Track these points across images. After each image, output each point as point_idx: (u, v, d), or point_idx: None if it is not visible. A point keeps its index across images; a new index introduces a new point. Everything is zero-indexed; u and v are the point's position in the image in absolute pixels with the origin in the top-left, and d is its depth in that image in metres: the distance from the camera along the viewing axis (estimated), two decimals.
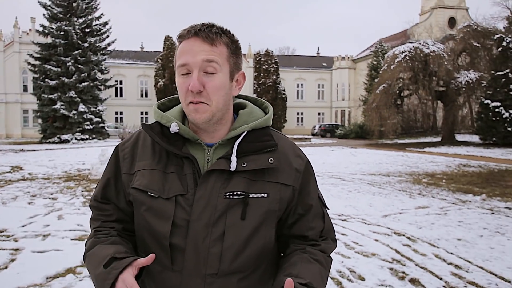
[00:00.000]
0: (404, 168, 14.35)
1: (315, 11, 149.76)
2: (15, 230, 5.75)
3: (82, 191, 9.07)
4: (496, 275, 4.22)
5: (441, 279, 4.12)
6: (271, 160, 1.14)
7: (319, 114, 56.16)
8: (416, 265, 4.53)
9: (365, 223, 6.46)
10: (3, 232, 5.65)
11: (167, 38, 46.83)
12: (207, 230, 1.08)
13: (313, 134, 46.15)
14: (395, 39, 45.48)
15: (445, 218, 6.77)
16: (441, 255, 4.85)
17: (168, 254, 1.09)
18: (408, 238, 5.59)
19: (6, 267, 4.32)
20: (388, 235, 5.75)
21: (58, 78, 31.70)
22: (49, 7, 33.03)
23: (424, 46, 25.78)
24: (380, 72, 28.35)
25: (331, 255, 1.26)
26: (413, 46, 25.84)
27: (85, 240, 1.23)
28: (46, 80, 31.96)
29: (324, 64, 57.00)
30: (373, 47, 45.19)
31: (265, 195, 1.13)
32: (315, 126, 48.36)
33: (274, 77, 50.56)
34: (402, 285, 3.98)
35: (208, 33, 1.11)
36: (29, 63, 33.46)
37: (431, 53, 25.07)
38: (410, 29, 44.27)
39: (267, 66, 50.78)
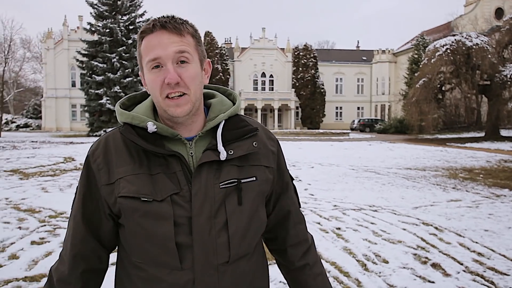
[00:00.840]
0: (441, 163, 14.29)
1: (356, 4, 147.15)
2: None
3: None
4: None
5: (462, 264, 4.37)
6: (255, 143, 1.18)
7: (358, 108, 55.63)
8: (440, 251, 4.78)
9: (395, 213, 6.71)
10: (63, 214, 6.34)
11: (207, 34, 47.73)
12: (211, 222, 1.10)
13: (352, 129, 45.87)
14: (438, 32, 44.35)
15: (476, 211, 6.91)
16: (466, 244, 5.07)
17: (176, 255, 1.09)
18: (436, 228, 5.81)
19: None
20: (416, 225, 5.99)
21: (104, 74, 33.16)
22: (96, 6, 34.52)
23: (467, 38, 25.14)
24: (421, 66, 27.86)
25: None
26: (455, 39, 25.25)
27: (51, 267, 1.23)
28: (93, 76, 33.49)
29: (364, 58, 56.31)
30: (414, 40, 44.22)
31: (254, 178, 1.17)
32: (354, 121, 48.02)
33: (313, 71, 50.50)
34: (424, 268, 4.26)
35: (175, 24, 1.11)
36: (77, 60, 35.18)
37: (474, 46, 24.43)
38: (453, 21, 43.10)
39: (305, 60, 50.78)
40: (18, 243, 4.91)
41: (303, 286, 1.30)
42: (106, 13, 34.35)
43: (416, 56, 38.80)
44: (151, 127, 1.11)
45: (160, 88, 1.09)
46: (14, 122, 48.28)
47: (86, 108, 34.86)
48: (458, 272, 4.14)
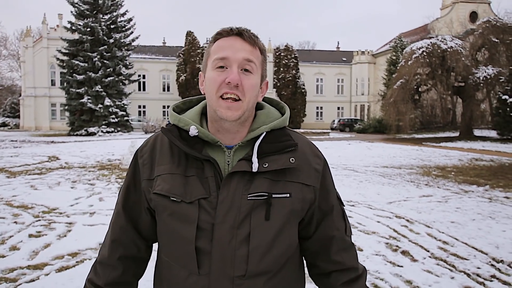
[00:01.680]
0: (416, 162, 14.92)
1: (336, 5, 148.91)
2: (65, 208, 6.70)
3: (116, 178, 10.03)
4: (476, 249, 4.93)
5: (428, 251, 4.85)
6: (292, 159, 1.15)
7: (338, 108, 56.50)
8: (410, 241, 5.25)
9: (371, 208, 7.19)
10: (56, 209, 6.61)
11: (189, 34, 47.80)
12: (233, 232, 1.09)
13: (332, 129, 46.61)
14: (415, 34, 45.48)
15: (445, 205, 7.45)
16: (433, 234, 5.56)
17: (194, 258, 1.10)
18: (407, 220, 6.30)
19: (65, 236, 5.25)
20: (390, 218, 6.48)
21: (85, 73, 33.02)
22: (76, 4, 34.32)
23: (442, 42, 26.04)
24: (398, 67, 28.69)
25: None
26: (431, 42, 26.13)
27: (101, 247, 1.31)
28: (74, 75, 33.31)
29: (344, 59, 57.22)
30: (392, 42, 45.26)
31: (288, 195, 1.13)
32: (334, 121, 48.80)
33: (294, 71, 51.10)
34: (394, 255, 4.72)
35: (251, 34, 1.15)
36: (57, 59, 34.91)
37: (449, 49, 25.32)
38: (430, 23, 44.21)
39: (286, 61, 51.34)
40: (16, 236, 5.19)
41: None
42: (87, 12, 34.21)
43: (394, 57, 39.76)
44: (193, 130, 1.14)
45: (219, 86, 1.11)
46: None
47: (66, 107, 34.60)
48: (424, 258, 4.61)
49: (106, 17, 34.46)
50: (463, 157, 16.44)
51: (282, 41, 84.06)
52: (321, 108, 56.05)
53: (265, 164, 1.11)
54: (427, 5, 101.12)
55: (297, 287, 1.24)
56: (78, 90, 33.05)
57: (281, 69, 51.11)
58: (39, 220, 5.98)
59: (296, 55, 51.56)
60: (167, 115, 1.30)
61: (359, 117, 51.61)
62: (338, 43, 70.03)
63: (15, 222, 5.81)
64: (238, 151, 1.16)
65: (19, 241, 4.99)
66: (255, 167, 1.10)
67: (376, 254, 4.72)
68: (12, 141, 25.51)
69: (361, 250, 4.86)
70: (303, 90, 51.03)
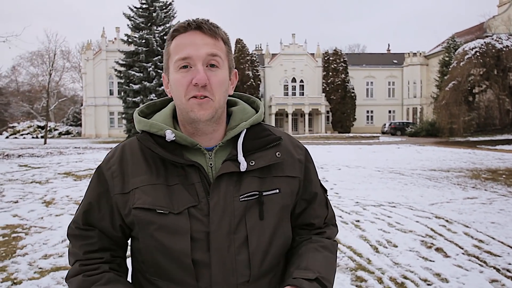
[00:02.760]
0: (467, 165, 14.65)
1: (387, 7, 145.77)
2: None
3: None
4: (511, 247, 5.05)
5: (462, 248, 5.03)
6: (278, 154, 1.12)
7: (389, 112, 55.49)
8: (445, 239, 5.45)
9: (412, 209, 7.36)
10: None
11: (238, 41, 48.90)
12: (230, 238, 1.04)
13: (383, 133, 45.93)
14: (470, 33, 43.91)
15: (488, 207, 7.47)
16: (470, 233, 5.71)
17: (192, 272, 1.03)
18: (446, 220, 6.45)
19: None
20: (429, 218, 6.64)
21: (141, 83, 34.77)
22: (132, 18, 36.29)
23: (497, 41, 25.17)
24: (450, 69, 27.96)
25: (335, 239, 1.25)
26: (485, 42, 25.33)
27: (67, 273, 1.12)
28: (130, 84, 35.17)
29: (395, 61, 56.17)
30: (445, 42, 43.94)
31: (277, 190, 1.10)
32: (385, 124, 48.03)
33: (343, 75, 50.82)
34: (428, 251, 4.95)
35: (211, 26, 1.08)
36: (115, 70, 37.01)
37: (504, 48, 24.44)
38: (486, 22, 42.50)
39: (335, 65, 51.18)
40: None
41: (297, 254, 1.16)
42: (142, 25, 36.04)
43: (447, 58, 38.67)
44: (170, 135, 1.07)
45: (186, 88, 1.05)
46: (57, 129, 50.84)
47: (124, 115, 36.51)
48: (457, 254, 4.82)
49: (160, 28, 36.13)
50: None
51: (331, 45, 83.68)
52: (372, 111, 55.30)
53: (252, 162, 1.08)
54: (484, 2, 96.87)
55: None
56: (134, 99, 34.84)
57: (330, 73, 51.01)
58: None
59: (345, 59, 51.26)
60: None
61: (411, 120, 50.43)
62: (389, 46, 68.56)
63: None
64: (219, 152, 1.12)
65: None
66: (243, 166, 1.07)
67: (410, 250, 4.98)
68: (75, 147, 27.40)
69: (396, 246, 5.13)
70: (352, 94, 50.62)
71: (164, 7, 36.67)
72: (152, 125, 1.10)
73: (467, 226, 6.08)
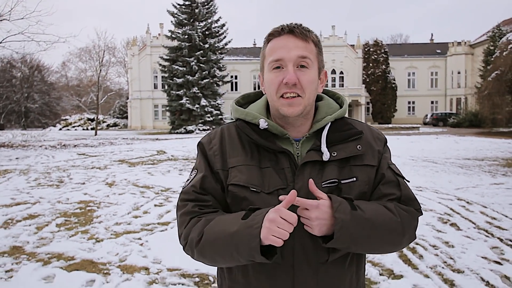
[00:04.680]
0: (504, 154, 14.80)
1: None
2: (177, 188, 8.43)
3: None
4: None
5: (474, 223, 5.65)
6: (359, 147, 1.20)
7: (432, 102, 54.44)
8: (461, 217, 6.06)
9: (437, 192, 7.94)
10: (170, 189, 8.38)
11: None
12: None
13: (425, 123, 45.33)
14: None
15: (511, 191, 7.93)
16: (486, 212, 6.28)
17: (278, 249, 1.08)
18: (467, 202, 7.02)
19: None
20: (451, 200, 7.22)
21: (184, 77, 36.25)
22: (176, 15, 37.75)
23: None
24: (492, 58, 27.48)
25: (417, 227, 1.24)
26: None
27: (180, 234, 1.21)
28: (174, 78, 36.73)
29: (438, 51, 54.93)
30: (491, 31, 42.67)
31: (354, 179, 1.18)
32: (427, 115, 47.34)
33: (384, 66, 50.37)
34: (443, 226, 5.60)
35: (302, 30, 1.18)
36: (160, 64, 38.70)
37: None
38: None
39: (376, 56, 50.79)
40: (145, 205, 6.94)
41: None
42: (185, 21, 37.44)
43: (491, 48, 37.64)
44: (263, 124, 1.18)
45: (278, 87, 1.16)
46: (105, 121, 53.46)
47: (168, 108, 38.19)
48: (468, 228, 5.45)
49: (202, 24, 37.40)
50: None
51: (373, 36, 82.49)
52: (413, 102, 54.45)
53: (334, 153, 1.18)
54: None
55: (362, 265, 1.29)
56: (177, 92, 36.39)
57: (371, 64, 50.68)
58: (159, 195, 7.74)
59: (386, 50, 50.75)
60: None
61: (454, 111, 49.37)
62: (432, 35, 66.89)
63: (143, 197, 7.63)
64: (305, 142, 1.22)
65: (148, 208, 6.71)
66: (326, 156, 1.16)
67: (427, 225, 5.65)
68: (123, 138, 29.07)
69: None
70: (393, 85, 50.11)
71: (205, 4, 37.91)
72: (248, 114, 1.24)
73: (485, 207, 6.64)
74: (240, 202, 1.17)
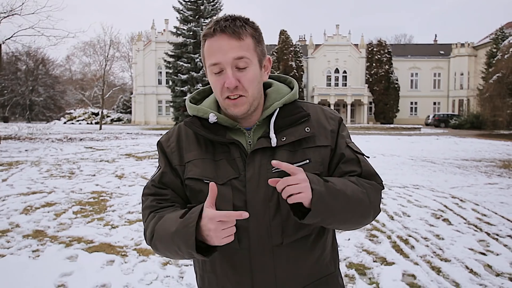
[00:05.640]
0: (501, 156, 15.14)
1: None
2: None
3: None
4: (509, 220, 5.98)
5: (465, 219, 6.02)
6: (307, 129, 1.23)
7: (434, 103, 54.72)
8: (454, 213, 6.42)
9: (433, 191, 8.30)
10: None
11: (282, 32, 49.74)
12: (265, 206, 1.18)
13: (427, 124, 45.65)
14: None
15: (504, 191, 8.29)
16: (477, 209, 6.64)
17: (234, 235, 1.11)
18: (461, 200, 7.38)
19: None
20: (446, 197, 7.59)
21: (188, 73, 36.56)
22: (181, 11, 38.04)
23: None
24: (494, 61, 27.76)
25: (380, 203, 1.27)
26: None
27: (143, 230, 1.27)
28: (179, 74, 37.05)
29: (442, 52, 55.18)
30: (494, 33, 42.90)
31: (307, 161, 1.21)
32: (429, 116, 47.65)
33: (387, 66, 50.63)
34: (435, 221, 5.97)
35: (234, 28, 1.16)
36: (165, 60, 39.02)
37: None
38: None
39: (379, 56, 51.04)
40: None
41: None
42: (191, 17, 37.73)
43: (494, 50, 37.90)
44: (212, 118, 1.24)
45: (221, 90, 1.19)
46: (109, 116, 53.92)
47: (172, 104, 38.53)
48: (459, 223, 5.82)
49: (207, 21, 37.63)
50: None
51: (378, 35, 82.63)
52: (416, 103, 54.75)
53: (283, 138, 1.21)
54: None
55: (329, 244, 1.31)
56: (182, 88, 36.71)
57: (374, 64, 50.96)
58: None
59: (389, 50, 51.01)
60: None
61: (456, 112, 49.66)
62: (436, 36, 67.34)
63: None
64: (256, 130, 1.26)
65: None
66: (273, 142, 1.20)
67: (420, 219, 6.02)
68: (128, 133, 29.50)
69: (409, 216, 6.19)
70: (396, 85, 50.38)
71: (211, 0, 38.14)
72: (199, 110, 1.28)
73: (477, 204, 7.00)
74: (197, 195, 1.21)
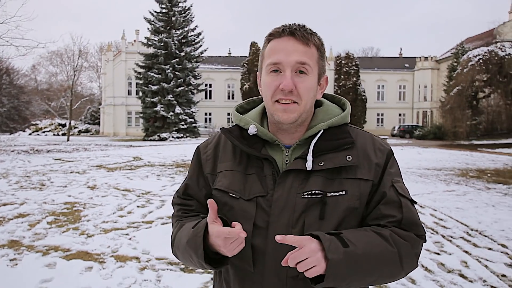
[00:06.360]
0: (460, 165, 15.94)
1: (402, 10, 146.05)
2: (157, 191, 8.98)
3: None
4: (462, 223, 6.47)
5: (424, 223, 6.45)
6: (349, 157, 1.13)
7: (400, 115, 56.46)
8: None
9: None
10: (150, 192, 8.91)
11: (253, 44, 50.38)
12: (287, 231, 1.08)
13: (393, 135, 47.01)
14: (480, 39, 44.75)
15: (461, 197, 8.85)
16: (435, 214, 7.12)
17: (250, 256, 1.11)
18: (421, 206, 7.86)
19: (161, 207, 7.45)
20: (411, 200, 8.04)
21: (159, 84, 36.60)
22: (152, 22, 38.14)
23: (500, 49, 26.29)
24: (455, 75, 29.16)
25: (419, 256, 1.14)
26: (488, 50, 26.50)
27: (171, 235, 1.28)
28: (149, 85, 37.01)
29: (407, 65, 57.18)
30: (455, 48, 44.93)
31: (343, 192, 1.11)
32: (394, 127, 49.15)
33: (355, 79, 52.07)
34: None
35: (304, 33, 1.13)
36: (135, 71, 38.89)
37: (507, 56, 25.56)
38: (496, 28, 43.37)
39: (347, 68, 52.49)
40: (128, 206, 7.47)
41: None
42: (162, 29, 37.88)
43: (455, 64, 39.66)
44: (252, 129, 1.18)
45: (274, 91, 1.13)
46: (76, 127, 52.99)
47: (142, 115, 38.36)
48: None
49: (178, 32, 37.92)
50: (510, 162, 17.12)
51: (346, 48, 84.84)
52: (382, 114, 56.34)
53: (321, 163, 1.12)
54: (497, 9, 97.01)
55: None
56: (152, 99, 36.68)
57: (342, 76, 52.30)
58: (141, 198, 8.27)
59: (357, 63, 52.50)
60: (231, 121, 1.33)
61: (421, 123, 51.42)
62: (401, 50, 69.31)
63: (125, 199, 8.15)
64: (296, 150, 1.18)
65: (132, 209, 7.25)
66: (309, 165, 1.12)
67: None
68: (97, 145, 29.14)
69: None
70: (363, 97, 51.81)
71: (183, 12, 38.44)
72: (241, 120, 1.24)
73: (435, 210, 7.49)
74: (222, 207, 1.17)
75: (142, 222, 6.34)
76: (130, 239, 5.42)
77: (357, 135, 1.21)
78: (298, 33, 1.13)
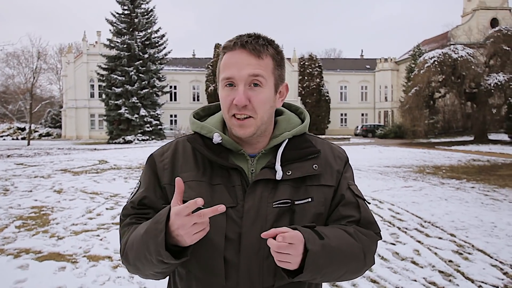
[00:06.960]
0: (418, 162, 16.73)
1: (363, 12, 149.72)
2: (125, 194, 9.06)
3: None
4: (417, 216, 6.95)
5: (382, 217, 6.89)
6: (315, 166, 1.16)
7: (362, 115, 58.00)
8: (373, 212, 7.27)
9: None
10: (118, 195, 8.98)
11: (217, 46, 50.48)
12: (260, 242, 1.06)
13: (356, 135, 48.30)
14: (435, 42, 46.70)
15: (417, 192, 9.41)
16: (393, 209, 7.58)
17: (222, 270, 1.08)
18: (379, 201, 8.32)
19: None
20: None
21: (123, 86, 36.12)
22: (114, 24, 37.59)
23: (453, 51, 27.61)
24: (412, 76, 30.37)
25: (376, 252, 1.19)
26: (442, 52, 27.77)
27: (119, 250, 1.18)
28: (113, 88, 36.47)
29: (368, 66, 58.81)
30: (412, 50, 46.68)
31: (310, 199, 1.13)
32: (357, 127, 50.50)
33: (318, 80, 53.10)
34: None
35: (255, 45, 1.11)
36: (98, 73, 38.23)
37: (459, 58, 26.89)
38: (450, 31, 45.35)
39: (311, 69, 53.45)
40: (97, 209, 7.54)
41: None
42: (124, 30, 37.41)
43: (413, 65, 41.20)
44: (217, 138, 1.15)
45: (229, 106, 1.12)
46: (37, 131, 51.39)
47: (106, 118, 37.76)
48: (376, 221, 6.65)
49: (142, 34, 37.56)
50: (463, 158, 18.11)
51: (308, 49, 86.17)
52: (345, 114, 57.72)
53: (289, 172, 1.13)
54: (451, 12, 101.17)
55: None
56: (116, 102, 36.15)
57: (306, 77, 53.22)
58: (109, 200, 8.34)
59: (320, 64, 53.56)
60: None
61: (382, 123, 53.03)
62: (362, 51, 71.23)
63: (94, 202, 8.20)
64: (261, 159, 1.18)
65: (101, 211, 7.33)
66: (279, 175, 1.12)
67: None
68: (59, 149, 28.48)
69: None
70: (327, 98, 52.90)
71: (145, 13, 38.10)
72: (203, 127, 1.20)
73: (393, 205, 7.97)
74: None
75: (112, 223, 6.45)
76: (101, 239, 5.55)
77: (316, 143, 1.24)
78: (249, 46, 1.11)
